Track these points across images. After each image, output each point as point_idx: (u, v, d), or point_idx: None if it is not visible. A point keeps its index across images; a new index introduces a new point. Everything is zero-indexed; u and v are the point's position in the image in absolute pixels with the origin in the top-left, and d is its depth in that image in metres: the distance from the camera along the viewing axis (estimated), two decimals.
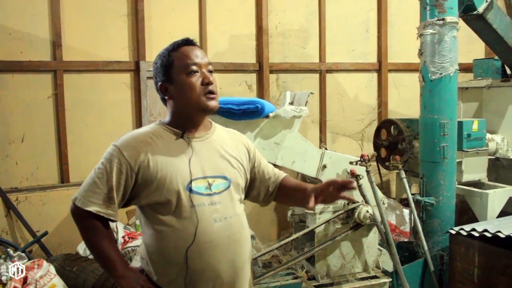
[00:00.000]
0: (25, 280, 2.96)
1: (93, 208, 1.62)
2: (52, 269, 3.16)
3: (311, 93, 3.39)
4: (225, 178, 1.75)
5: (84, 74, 4.36)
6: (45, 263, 3.15)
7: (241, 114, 2.89)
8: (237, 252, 1.74)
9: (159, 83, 1.75)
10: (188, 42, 1.76)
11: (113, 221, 1.69)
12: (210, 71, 1.75)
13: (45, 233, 3.91)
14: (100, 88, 4.43)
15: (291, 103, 3.49)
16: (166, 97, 1.76)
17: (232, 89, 4.84)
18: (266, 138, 3.13)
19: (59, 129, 4.26)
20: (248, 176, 1.92)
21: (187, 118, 1.74)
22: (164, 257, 1.66)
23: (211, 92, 1.71)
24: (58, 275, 3.19)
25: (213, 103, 1.72)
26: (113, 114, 4.46)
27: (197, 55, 1.73)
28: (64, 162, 4.28)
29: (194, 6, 4.72)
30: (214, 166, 1.74)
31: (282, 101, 3.82)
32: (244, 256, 1.78)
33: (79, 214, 1.65)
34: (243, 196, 1.88)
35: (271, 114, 3.05)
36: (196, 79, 1.70)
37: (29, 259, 3.39)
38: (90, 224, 1.65)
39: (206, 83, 1.70)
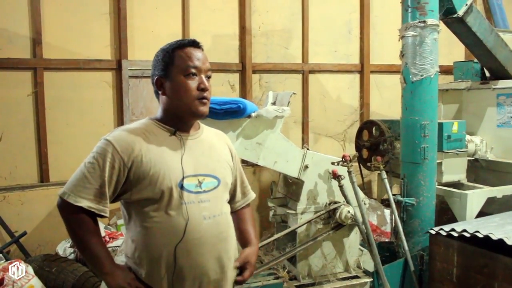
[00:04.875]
0: (1, 282, 2.91)
1: (84, 204, 1.60)
2: (30, 270, 3.11)
3: (293, 93, 3.40)
4: (215, 177, 1.78)
5: (65, 72, 4.30)
6: (22, 264, 3.10)
7: (223, 114, 2.89)
8: (224, 249, 1.76)
9: (156, 77, 1.75)
10: (194, 43, 1.77)
11: (103, 216, 1.67)
12: (209, 77, 1.77)
13: (24, 234, 3.84)
14: (81, 87, 4.37)
15: (274, 103, 3.50)
16: (160, 92, 1.76)
17: (215, 89, 4.72)
18: (248, 138, 3.13)
19: (39, 127, 4.20)
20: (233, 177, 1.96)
21: (177, 118, 1.76)
22: (152, 253, 1.66)
23: (204, 98, 1.73)
24: (37, 276, 3.14)
25: (203, 109, 1.74)
26: (94, 113, 4.41)
27: (199, 59, 1.73)
28: (43, 162, 4.22)
29: (177, 5, 4.70)
30: (205, 164, 1.77)
31: (264, 101, 3.82)
32: (230, 254, 1.81)
33: (68, 209, 1.63)
34: (228, 196, 1.91)
35: (253, 114, 3.05)
36: (193, 83, 1.71)
37: (7, 260, 3.33)
38: (79, 220, 1.63)
39: (201, 88, 1.72)
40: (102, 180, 1.62)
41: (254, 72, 5.02)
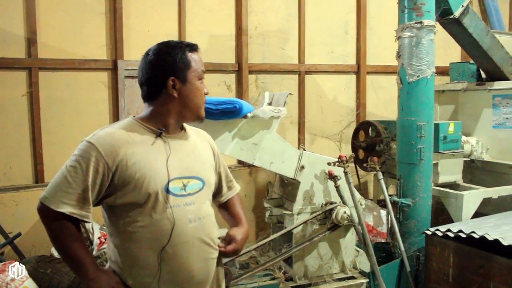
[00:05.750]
0: None
1: (66, 210, 1.56)
2: (24, 271, 3.08)
3: (290, 93, 3.40)
4: (199, 179, 1.76)
5: (60, 72, 4.28)
6: (17, 265, 3.08)
7: (219, 114, 2.87)
8: (209, 252, 1.76)
9: (171, 77, 1.70)
10: (197, 48, 1.80)
11: (86, 222, 1.63)
12: None
13: (18, 235, 3.82)
14: (76, 87, 4.35)
15: (270, 104, 3.49)
16: (170, 92, 1.71)
17: (211, 89, 4.70)
18: (244, 138, 3.12)
19: (33, 128, 4.18)
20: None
21: (178, 119, 1.77)
22: (137, 258, 1.63)
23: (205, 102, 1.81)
24: (31, 277, 3.12)
25: (204, 113, 1.82)
26: (90, 113, 4.39)
27: (203, 64, 1.79)
28: (38, 162, 4.19)
29: (174, 5, 4.69)
30: (189, 166, 1.75)
31: (260, 102, 3.81)
32: (215, 255, 1.80)
33: (49, 215, 1.59)
34: (211, 197, 1.90)
35: (249, 115, 3.04)
36: (203, 87, 1.78)
37: (1, 261, 3.31)
38: (61, 226, 1.58)
39: (206, 93, 1.80)
40: (85, 184, 1.57)
41: (250, 72, 5.01)
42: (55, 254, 3.72)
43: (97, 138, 1.63)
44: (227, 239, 1.87)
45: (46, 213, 1.60)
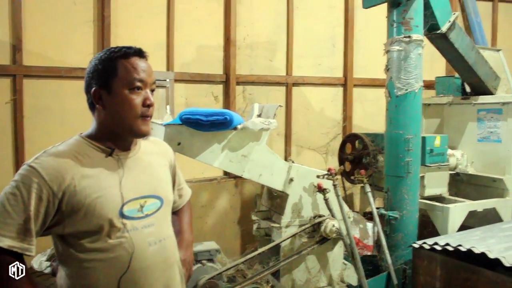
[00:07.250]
0: None
1: (4, 243, 1.39)
2: None
3: (280, 106, 3.40)
4: (157, 197, 1.64)
5: (46, 80, 4.20)
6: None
7: (209, 125, 2.86)
8: (172, 276, 1.66)
9: (94, 88, 1.55)
10: (140, 53, 1.61)
11: (29, 255, 1.46)
12: (152, 90, 1.61)
13: None
14: (62, 95, 4.27)
15: (259, 116, 3.48)
16: (97, 105, 1.56)
17: (198, 100, 4.79)
18: (233, 150, 3.10)
19: (16, 136, 4.08)
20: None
21: (115, 135, 1.59)
22: None
23: (148, 116, 1.58)
24: None
25: (146, 129, 1.59)
26: (76, 122, 4.31)
27: (145, 71, 1.57)
28: None
29: (162, 14, 4.66)
30: (146, 184, 1.62)
31: (249, 113, 3.80)
32: (178, 279, 1.71)
33: None
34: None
35: (239, 126, 3.03)
36: (138, 98, 1.55)
37: None
38: (0, 261, 1.41)
39: (147, 105, 1.57)
40: (26, 214, 1.40)
41: (238, 83, 5.00)
42: (35, 267, 3.63)
43: (39, 162, 1.48)
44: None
45: None
